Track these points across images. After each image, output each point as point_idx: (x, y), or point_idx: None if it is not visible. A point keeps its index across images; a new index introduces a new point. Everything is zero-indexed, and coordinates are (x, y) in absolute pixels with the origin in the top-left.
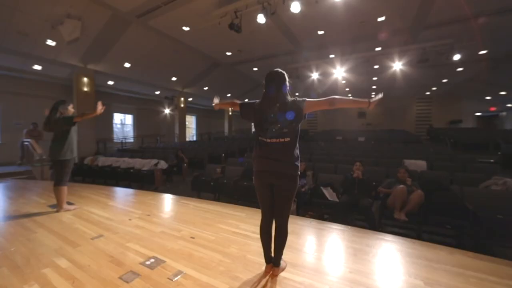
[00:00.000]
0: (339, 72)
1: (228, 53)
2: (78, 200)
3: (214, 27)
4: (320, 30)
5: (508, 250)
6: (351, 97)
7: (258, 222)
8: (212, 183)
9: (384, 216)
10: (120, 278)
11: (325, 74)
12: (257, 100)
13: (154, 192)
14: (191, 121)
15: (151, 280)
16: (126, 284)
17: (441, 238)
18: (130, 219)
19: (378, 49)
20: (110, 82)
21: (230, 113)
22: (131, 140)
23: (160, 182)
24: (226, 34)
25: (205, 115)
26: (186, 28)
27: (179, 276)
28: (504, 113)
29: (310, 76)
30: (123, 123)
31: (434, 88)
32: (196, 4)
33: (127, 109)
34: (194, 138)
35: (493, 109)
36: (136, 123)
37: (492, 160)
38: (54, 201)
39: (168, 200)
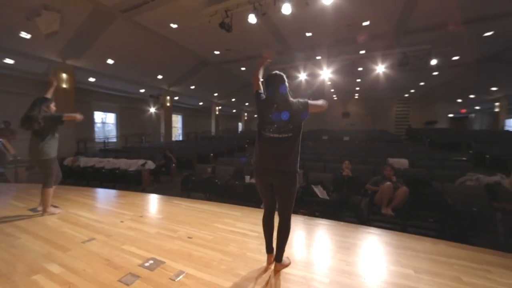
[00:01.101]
0: (326, 73)
1: (217, 52)
2: (63, 203)
3: (203, 25)
4: (308, 32)
5: (483, 240)
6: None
7: (255, 220)
8: (203, 183)
9: (372, 212)
10: (120, 281)
11: (312, 75)
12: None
13: (142, 193)
14: (176, 121)
15: (152, 281)
16: (126, 287)
17: (425, 231)
18: (121, 221)
19: (362, 52)
20: (91, 79)
21: (217, 113)
22: (114, 139)
23: (147, 183)
24: (215, 32)
25: (192, 115)
26: (174, 25)
27: (181, 276)
28: (473, 115)
29: (297, 77)
30: (104, 122)
31: (412, 91)
32: (185, 1)
33: (110, 107)
34: (180, 138)
35: (463, 111)
36: (119, 122)
37: (464, 158)
38: (34, 205)
39: (159, 201)
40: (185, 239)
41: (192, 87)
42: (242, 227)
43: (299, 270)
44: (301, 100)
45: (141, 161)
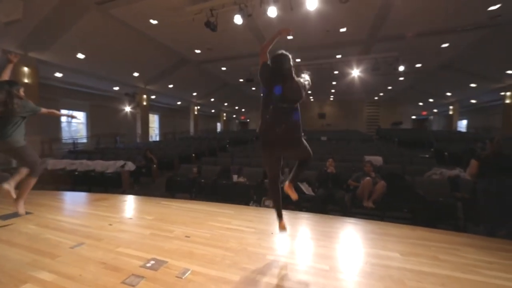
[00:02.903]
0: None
1: (197, 51)
2: (37, 208)
3: (185, 23)
4: (290, 35)
5: (448, 224)
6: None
7: (249, 217)
8: (190, 183)
9: (354, 205)
10: (123, 282)
11: None
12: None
13: (125, 195)
14: (153, 120)
15: (158, 280)
16: None
17: (400, 220)
18: (110, 224)
19: (338, 56)
20: (58, 74)
21: (196, 113)
22: (83, 140)
23: (127, 185)
24: (197, 31)
25: (169, 114)
26: (154, 22)
27: (187, 274)
28: (431, 117)
29: None
30: (69, 121)
31: (381, 94)
32: None
33: (79, 105)
34: (157, 138)
35: (424, 113)
36: (90, 122)
37: (427, 156)
38: (2, 211)
39: (146, 202)
40: (182, 238)
41: (170, 86)
42: (238, 224)
43: (300, 260)
44: (301, 81)
45: (120, 162)
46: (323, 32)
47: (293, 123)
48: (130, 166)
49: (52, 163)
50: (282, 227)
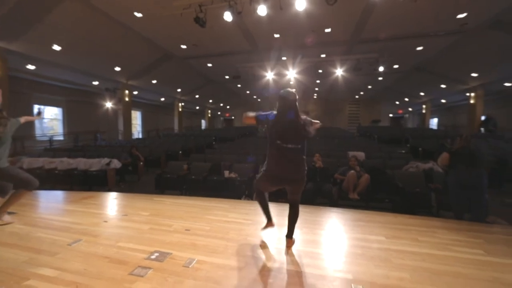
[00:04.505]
0: (291, 74)
1: (183, 46)
2: (20, 208)
3: (171, 17)
4: (277, 33)
5: (423, 212)
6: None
7: (244, 210)
8: (180, 180)
9: (341, 197)
10: (131, 274)
11: (278, 75)
12: (270, 114)
13: (113, 193)
14: (135, 117)
15: (166, 270)
16: (142, 278)
17: (382, 210)
18: (105, 221)
19: (323, 55)
20: (31, 67)
21: (180, 109)
22: (59, 137)
23: (113, 183)
24: (183, 26)
25: (152, 111)
26: (138, 14)
27: (193, 263)
28: (407, 115)
29: (265, 76)
30: (41, 112)
31: (362, 93)
32: None
33: (54, 100)
34: (140, 135)
35: (400, 111)
36: (66, 118)
37: (403, 151)
38: None
39: (138, 199)
40: (182, 231)
41: (154, 81)
42: (235, 216)
43: (298, 246)
44: (307, 120)
45: (106, 160)
46: (308, 31)
47: (299, 161)
48: (116, 163)
49: (28, 162)
50: (271, 226)
